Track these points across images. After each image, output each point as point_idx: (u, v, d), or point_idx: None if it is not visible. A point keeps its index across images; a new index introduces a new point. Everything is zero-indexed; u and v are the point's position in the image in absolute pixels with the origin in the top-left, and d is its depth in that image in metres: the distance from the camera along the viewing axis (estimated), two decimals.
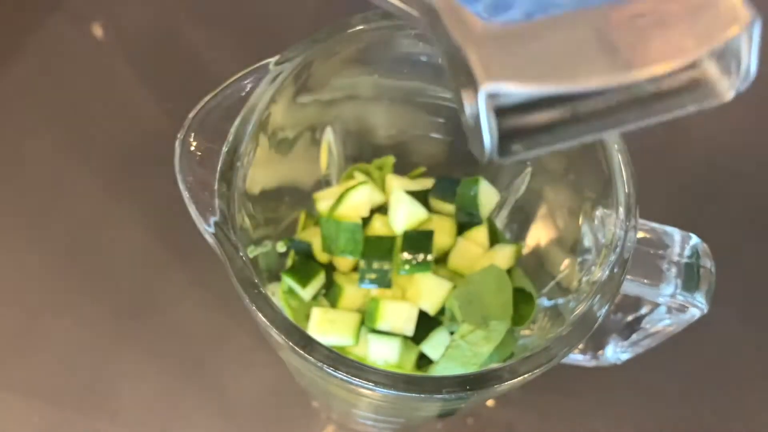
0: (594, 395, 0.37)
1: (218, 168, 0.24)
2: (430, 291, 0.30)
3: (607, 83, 0.13)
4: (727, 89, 0.14)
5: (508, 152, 0.14)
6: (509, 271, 0.31)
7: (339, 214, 0.30)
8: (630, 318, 0.30)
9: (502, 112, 0.14)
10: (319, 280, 0.31)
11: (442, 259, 0.32)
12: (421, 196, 0.32)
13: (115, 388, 0.37)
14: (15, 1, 0.46)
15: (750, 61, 0.14)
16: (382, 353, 0.29)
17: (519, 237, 0.33)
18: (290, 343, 0.22)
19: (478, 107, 0.13)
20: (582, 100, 0.14)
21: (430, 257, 0.29)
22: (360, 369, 0.22)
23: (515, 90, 0.13)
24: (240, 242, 0.24)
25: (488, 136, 0.14)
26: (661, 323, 0.29)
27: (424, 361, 0.30)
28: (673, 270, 0.25)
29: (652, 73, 0.13)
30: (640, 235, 0.25)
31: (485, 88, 0.13)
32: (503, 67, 0.13)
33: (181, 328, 0.38)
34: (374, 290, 0.30)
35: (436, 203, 0.32)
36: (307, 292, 0.31)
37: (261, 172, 0.28)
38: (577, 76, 0.13)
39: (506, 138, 0.14)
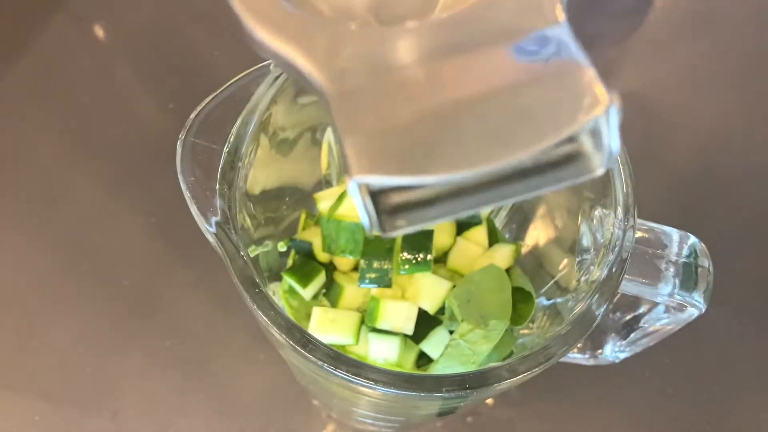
0: (592, 394, 0.37)
1: (219, 168, 0.24)
2: (429, 290, 0.30)
3: (474, 171, 0.14)
4: (599, 164, 0.15)
5: (393, 227, 0.15)
6: (508, 271, 0.31)
7: (339, 214, 0.30)
8: (628, 317, 0.30)
9: (383, 191, 0.15)
10: (320, 280, 0.31)
11: (441, 259, 0.32)
12: None
13: (116, 387, 0.37)
14: (17, 2, 0.46)
15: (611, 140, 0.14)
16: (382, 352, 0.29)
17: (518, 237, 0.33)
18: (291, 342, 0.22)
19: (353, 195, 0.14)
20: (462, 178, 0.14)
21: (429, 257, 0.30)
22: (360, 368, 0.22)
23: (386, 182, 0.14)
24: (241, 242, 0.24)
25: (365, 218, 0.15)
26: (660, 322, 0.29)
27: (423, 360, 0.30)
28: (672, 269, 0.25)
29: (512, 160, 0.14)
30: (639, 234, 0.25)
31: (356, 179, 0.14)
32: (375, 159, 0.14)
33: (182, 327, 0.38)
34: (374, 289, 0.30)
35: None
36: (307, 292, 0.31)
37: (262, 172, 0.28)
38: (447, 166, 0.14)
39: (390, 213, 0.15)
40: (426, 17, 0.16)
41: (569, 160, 0.15)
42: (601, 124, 0.14)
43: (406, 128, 0.14)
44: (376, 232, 0.15)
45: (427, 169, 0.14)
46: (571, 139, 0.14)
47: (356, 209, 0.15)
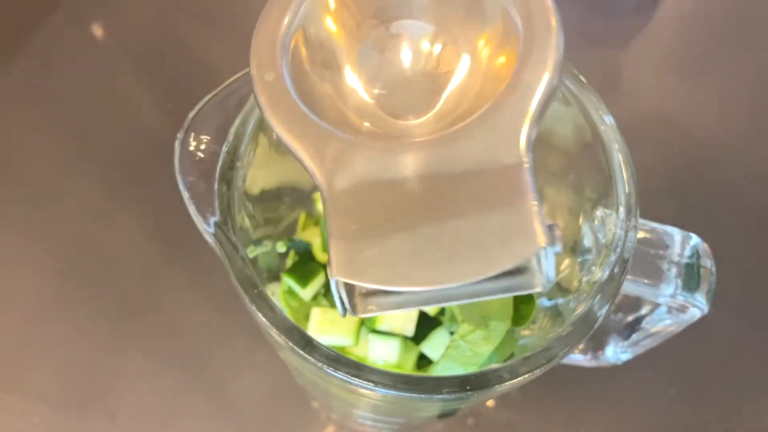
0: (594, 395, 0.37)
1: (218, 168, 0.24)
2: None
3: (432, 287, 0.16)
4: (540, 284, 0.17)
5: (365, 310, 0.18)
6: None
7: None
8: (630, 318, 0.30)
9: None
10: (319, 280, 0.31)
11: None
12: None
13: (114, 388, 0.37)
14: (14, 1, 0.46)
15: (547, 271, 0.17)
16: (382, 353, 0.29)
17: None
18: (290, 344, 0.22)
19: (333, 287, 0.17)
20: None
21: None
22: (360, 369, 0.21)
23: (358, 284, 0.17)
24: (240, 242, 0.24)
25: (340, 307, 0.18)
26: (662, 323, 0.29)
27: (424, 361, 0.30)
28: (674, 270, 0.25)
29: (458, 284, 0.16)
30: (641, 235, 0.25)
31: (334, 278, 0.17)
32: (351, 265, 0.17)
33: (181, 328, 0.38)
34: None
35: None
36: (307, 292, 0.31)
37: (261, 172, 0.27)
38: (409, 281, 0.16)
39: (364, 297, 0.18)
40: (425, 114, 0.19)
41: (518, 272, 0.18)
42: (540, 256, 0.17)
43: (380, 241, 0.17)
44: (349, 315, 0.18)
45: (392, 281, 0.16)
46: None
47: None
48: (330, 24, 0.20)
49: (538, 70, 0.17)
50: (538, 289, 0.17)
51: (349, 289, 0.18)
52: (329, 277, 0.17)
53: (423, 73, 0.20)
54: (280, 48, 0.19)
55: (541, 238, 0.16)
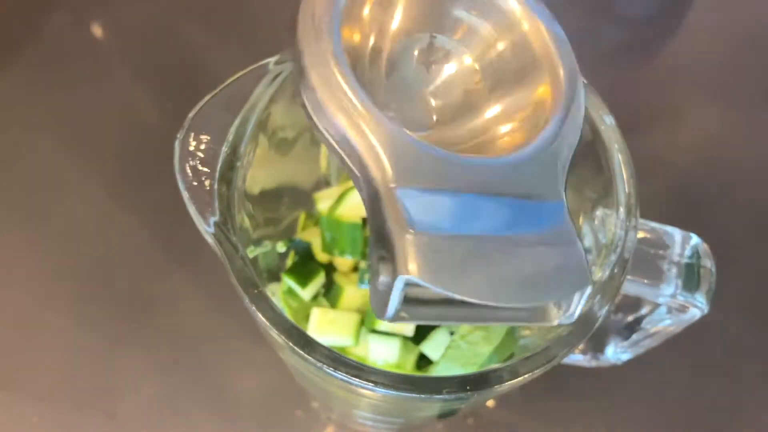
0: (594, 395, 0.37)
1: (218, 168, 0.24)
2: None
3: (497, 303, 0.17)
4: (555, 318, 0.18)
5: (398, 317, 0.18)
6: None
7: (339, 214, 0.30)
8: (630, 318, 0.30)
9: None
10: (319, 281, 0.31)
11: None
12: None
13: (114, 388, 0.37)
14: (15, 1, 0.46)
15: (577, 309, 0.18)
16: (382, 353, 0.29)
17: None
18: (290, 344, 0.22)
19: (394, 286, 0.16)
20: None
21: None
22: (360, 369, 0.21)
23: (424, 285, 0.16)
24: (240, 242, 0.24)
25: (392, 308, 0.17)
26: (662, 323, 0.29)
27: (424, 361, 0.30)
28: (674, 270, 0.25)
29: (523, 304, 0.18)
30: (641, 235, 0.25)
31: (404, 277, 0.16)
32: (421, 265, 0.16)
33: (181, 328, 0.38)
34: None
35: None
36: (307, 293, 0.31)
37: (261, 172, 0.27)
38: (479, 293, 0.17)
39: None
40: (452, 122, 0.20)
41: (533, 307, 0.19)
42: (576, 296, 0.18)
43: (450, 249, 0.16)
44: (385, 319, 0.18)
45: (460, 288, 0.16)
46: None
47: (387, 296, 0.17)
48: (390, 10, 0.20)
49: (571, 127, 0.19)
50: (553, 324, 0.18)
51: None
52: (397, 274, 0.16)
53: (454, 85, 0.20)
54: (334, 14, 0.18)
55: (589, 280, 0.18)
